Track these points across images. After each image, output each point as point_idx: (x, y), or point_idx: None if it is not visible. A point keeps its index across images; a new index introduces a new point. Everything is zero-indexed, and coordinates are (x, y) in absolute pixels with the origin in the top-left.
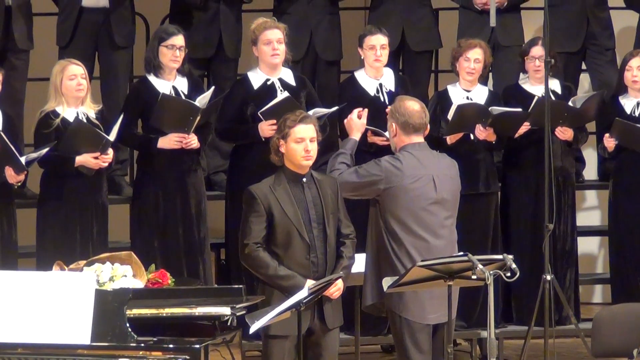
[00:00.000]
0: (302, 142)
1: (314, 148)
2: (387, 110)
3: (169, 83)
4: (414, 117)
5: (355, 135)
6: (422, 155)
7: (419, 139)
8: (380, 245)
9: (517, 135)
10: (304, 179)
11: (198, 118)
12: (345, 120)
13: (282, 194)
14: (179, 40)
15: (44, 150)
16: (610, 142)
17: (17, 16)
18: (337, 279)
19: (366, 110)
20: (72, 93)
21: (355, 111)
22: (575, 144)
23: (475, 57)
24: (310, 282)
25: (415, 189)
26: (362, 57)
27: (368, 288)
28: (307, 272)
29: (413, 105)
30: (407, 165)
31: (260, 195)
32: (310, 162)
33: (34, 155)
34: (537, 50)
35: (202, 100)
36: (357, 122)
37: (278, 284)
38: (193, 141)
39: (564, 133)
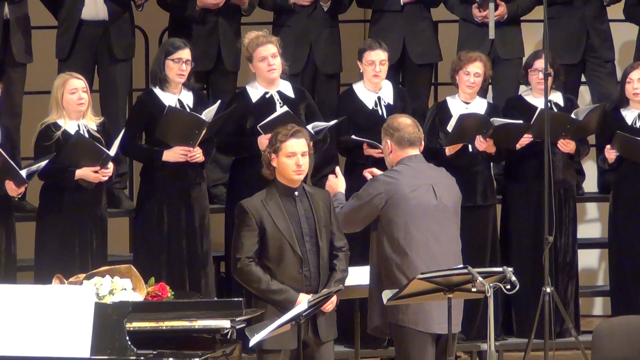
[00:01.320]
0: (293, 157)
1: (305, 162)
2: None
3: (175, 96)
4: (407, 130)
5: (341, 189)
6: (419, 166)
7: (416, 152)
8: (383, 265)
9: (518, 146)
10: (296, 193)
11: (204, 132)
12: (327, 186)
13: (274, 208)
14: (185, 54)
15: (44, 162)
16: (611, 154)
17: (15, 30)
18: (336, 292)
19: (337, 168)
20: (73, 107)
21: (330, 176)
22: (577, 156)
23: (475, 70)
24: (303, 296)
25: (415, 197)
26: (361, 71)
27: (373, 310)
28: (300, 286)
29: (405, 120)
30: (405, 175)
31: (252, 210)
32: (302, 177)
33: (34, 167)
34: (541, 63)
35: (208, 114)
36: (335, 181)
37: (271, 298)
38: (198, 155)
39: (566, 145)
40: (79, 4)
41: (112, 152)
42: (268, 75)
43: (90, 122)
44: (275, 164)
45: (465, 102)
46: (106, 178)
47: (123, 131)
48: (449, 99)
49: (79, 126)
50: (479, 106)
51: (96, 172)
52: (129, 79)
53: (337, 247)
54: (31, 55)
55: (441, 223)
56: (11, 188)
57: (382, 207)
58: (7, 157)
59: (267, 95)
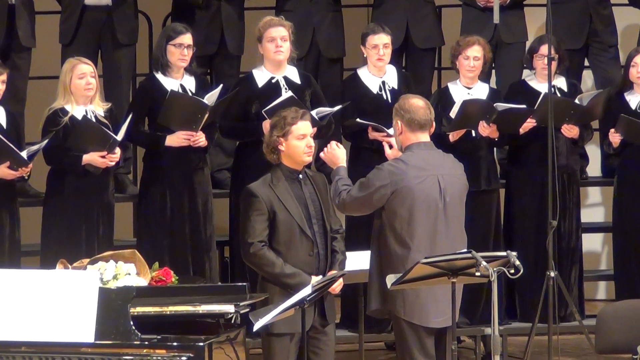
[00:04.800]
0: (304, 139)
1: (314, 144)
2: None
3: (177, 81)
4: (419, 113)
5: (342, 163)
6: (428, 155)
7: (425, 137)
8: (385, 252)
9: (522, 131)
10: (300, 176)
11: (206, 116)
12: (323, 154)
13: (283, 191)
14: (187, 39)
15: (44, 142)
16: (615, 138)
17: (21, 14)
18: (340, 276)
19: (333, 141)
20: (81, 92)
21: (333, 143)
22: (580, 141)
23: (474, 54)
24: (316, 279)
25: (421, 190)
26: (364, 55)
27: (372, 294)
28: (311, 269)
29: (417, 102)
30: (412, 165)
31: (261, 194)
32: (311, 158)
33: (35, 147)
34: (547, 48)
35: (210, 98)
36: (338, 151)
37: (284, 282)
38: (201, 139)
39: (570, 131)
40: None
41: (120, 136)
42: (274, 57)
43: (98, 108)
44: (283, 147)
45: (467, 87)
46: (113, 163)
47: (130, 116)
48: (450, 85)
49: (86, 111)
50: (481, 91)
51: (103, 157)
52: (133, 64)
53: (334, 229)
54: (35, 39)
55: (445, 217)
56: (8, 173)
57: (387, 199)
58: (4, 139)
59: (273, 80)
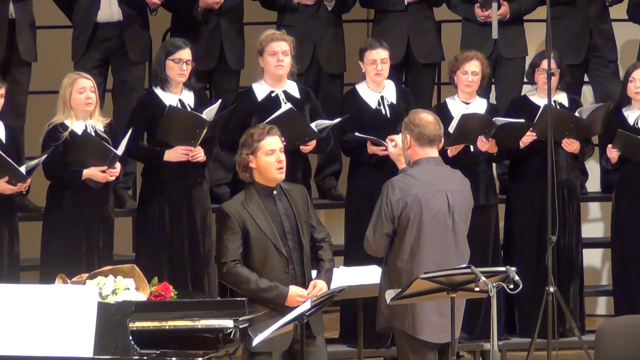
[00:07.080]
0: (273, 154)
1: (284, 158)
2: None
3: (176, 96)
4: (428, 127)
5: (400, 164)
6: (436, 170)
7: (434, 152)
8: (393, 269)
9: (523, 145)
10: (275, 192)
11: (205, 131)
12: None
13: (255, 209)
14: (185, 54)
15: (43, 157)
16: (613, 153)
17: (21, 28)
18: (339, 291)
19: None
20: (81, 106)
21: (391, 145)
22: (581, 156)
23: (472, 69)
24: (293, 288)
25: (430, 206)
26: (363, 71)
27: (382, 311)
28: (286, 285)
29: (427, 117)
30: (421, 180)
31: (233, 213)
32: (284, 174)
33: (33, 162)
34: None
35: (208, 113)
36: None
37: (261, 297)
38: (199, 154)
39: (570, 145)
40: (94, 6)
41: (120, 151)
42: (275, 71)
43: (98, 123)
44: (254, 165)
45: (465, 102)
46: (113, 178)
47: (130, 130)
48: (448, 100)
49: (86, 126)
50: (479, 106)
51: (104, 171)
52: (142, 81)
53: (320, 239)
54: (36, 54)
55: (454, 234)
56: (6, 187)
57: (398, 217)
58: (3, 154)
59: (273, 94)
